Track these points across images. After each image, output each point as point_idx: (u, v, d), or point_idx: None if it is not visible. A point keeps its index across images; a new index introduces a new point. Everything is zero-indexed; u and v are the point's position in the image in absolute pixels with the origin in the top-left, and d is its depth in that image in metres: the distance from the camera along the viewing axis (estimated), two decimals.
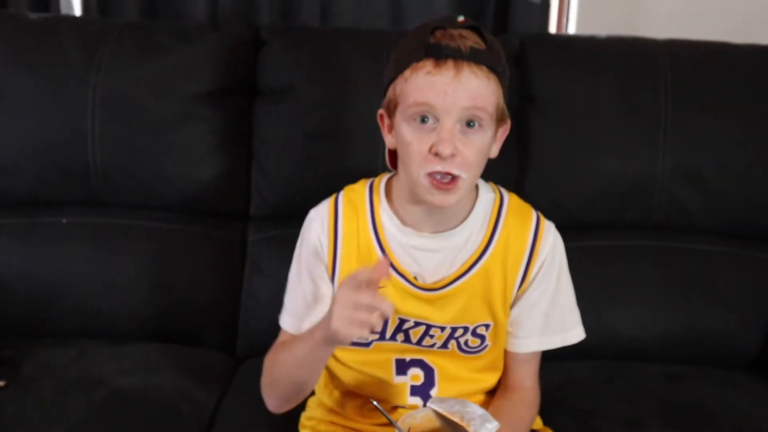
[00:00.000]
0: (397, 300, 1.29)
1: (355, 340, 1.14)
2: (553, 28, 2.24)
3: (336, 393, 1.41)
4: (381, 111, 1.29)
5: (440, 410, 1.14)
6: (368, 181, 1.39)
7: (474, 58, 1.18)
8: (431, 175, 1.20)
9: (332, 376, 1.41)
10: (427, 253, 1.31)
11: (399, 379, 1.36)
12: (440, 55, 1.17)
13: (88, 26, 1.88)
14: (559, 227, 1.40)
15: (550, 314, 1.36)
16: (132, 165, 1.81)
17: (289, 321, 1.37)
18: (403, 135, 1.23)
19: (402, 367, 1.37)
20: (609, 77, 1.81)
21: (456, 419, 1.12)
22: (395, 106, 1.23)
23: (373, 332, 1.29)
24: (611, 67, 1.83)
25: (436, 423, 1.16)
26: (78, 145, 1.79)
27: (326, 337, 1.16)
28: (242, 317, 1.82)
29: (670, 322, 1.79)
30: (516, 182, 1.81)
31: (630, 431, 1.53)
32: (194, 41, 1.82)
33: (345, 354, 1.37)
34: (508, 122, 1.28)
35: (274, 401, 1.33)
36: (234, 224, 1.88)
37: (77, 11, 2.33)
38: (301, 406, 1.47)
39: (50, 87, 1.80)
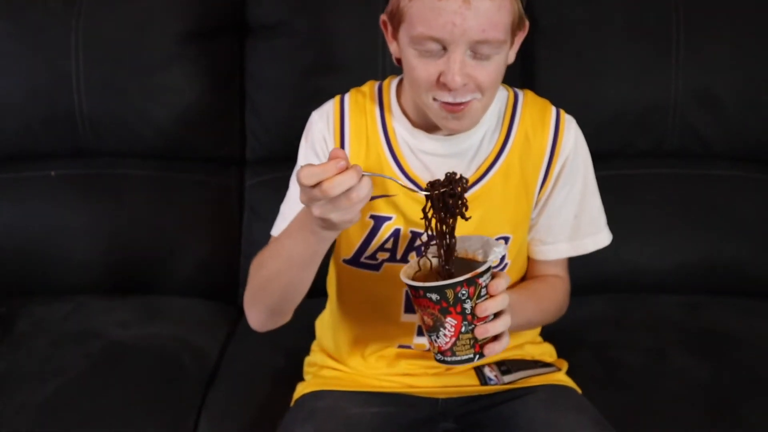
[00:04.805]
0: (408, 210, 1.22)
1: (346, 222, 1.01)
2: None
3: (340, 341, 1.34)
4: (384, 17, 1.17)
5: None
6: (377, 83, 1.29)
7: None
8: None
9: (336, 322, 1.35)
10: (439, 158, 1.21)
11: (407, 318, 1.29)
12: None
13: None
14: None
15: (580, 216, 1.28)
16: (119, 111, 1.74)
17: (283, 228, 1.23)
18: (407, 58, 1.13)
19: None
20: None
21: (460, 254, 1.08)
22: (399, 21, 1.12)
23: (382, 251, 1.24)
24: None
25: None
26: (62, 92, 1.72)
27: (315, 229, 1.05)
28: (243, 265, 1.75)
29: (687, 251, 1.73)
30: None
31: (651, 361, 1.48)
32: None
33: (353, 281, 1.30)
34: (526, 25, 1.16)
35: (258, 314, 1.23)
36: (229, 169, 1.82)
37: None
38: (305, 351, 1.42)
39: (30, 33, 1.72)
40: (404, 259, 1.26)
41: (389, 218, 1.23)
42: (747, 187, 1.76)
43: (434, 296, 1.02)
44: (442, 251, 1.07)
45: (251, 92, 1.77)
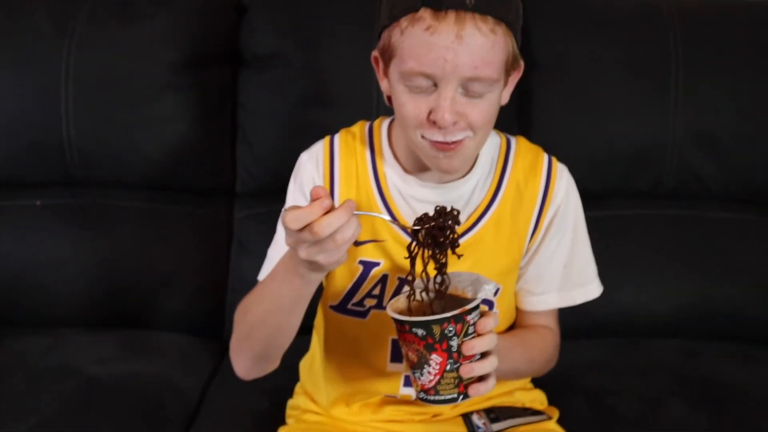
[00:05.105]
0: (397, 256, 1.19)
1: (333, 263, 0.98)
2: None
3: (325, 388, 1.30)
4: (375, 54, 1.14)
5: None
6: (367, 124, 1.26)
7: (479, 8, 1.02)
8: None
9: (321, 368, 1.31)
10: (431, 206, 1.14)
11: (393, 367, 1.25)
12: (440, 5, 1.02)
13: None
14: None
15: (569, 266, 1.26)
16: (109, 140, 1.71)
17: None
18: (397, 94, 1.10)
19: (398, 350, 1.24)
20: (613, 37, 1.72)
21: (449, 291, 1.06)
22: (390, 57, 1.09)
23: (370, 297, 1.21)
24: (615, 25, 1.73)
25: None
26: (51, 120, 1.70)
27: (302, 271, 1.02)
28: (229, 300, 1.72)
29: (684, 295, 1.69)
30: None
31: (647, 409, 1.44)
32: (172, 7, 1.72)
33: (339, 328, 1.26)
34: (521, 65, 1.13)
35: (244, 362, 1.19)
36: (219, 201, 1.79)
37: None
38: (288, 392, 1.38)
39: (20, 60, 1.70)
40: None
41: (377, 264, 1.20)
42: (745, 230, 1.73)
43: (420, 332, 0.99)
44: (430, 286, 1.05)
45: (243, 124, 1.75)
